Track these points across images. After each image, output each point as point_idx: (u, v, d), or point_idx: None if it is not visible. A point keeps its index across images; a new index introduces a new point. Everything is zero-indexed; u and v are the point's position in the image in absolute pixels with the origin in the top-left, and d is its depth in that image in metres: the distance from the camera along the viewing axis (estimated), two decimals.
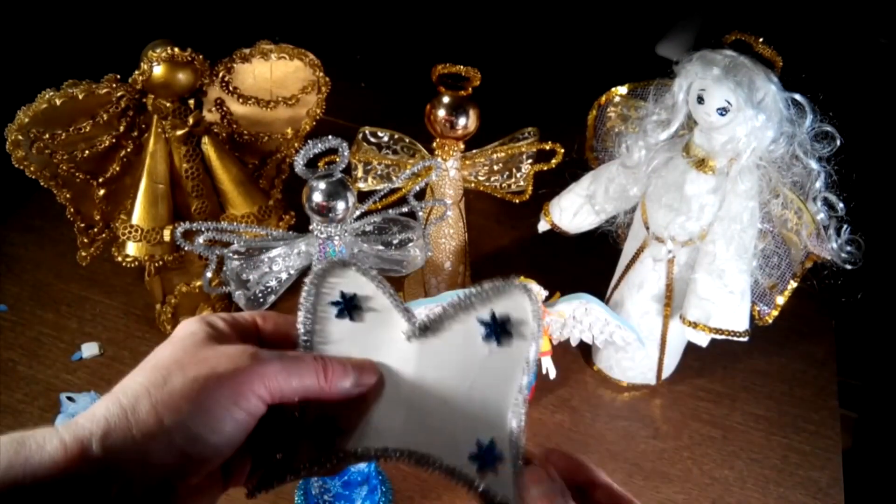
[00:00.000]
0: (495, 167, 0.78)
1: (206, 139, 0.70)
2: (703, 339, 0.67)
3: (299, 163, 0.52)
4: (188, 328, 0.34)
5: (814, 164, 0.61)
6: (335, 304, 0.37)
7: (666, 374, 0.78)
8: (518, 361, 0.33)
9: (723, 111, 0.59)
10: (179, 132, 0.67)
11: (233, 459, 0.33)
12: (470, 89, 0.70)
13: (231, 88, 0.70)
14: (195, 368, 0.31)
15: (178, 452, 0.30)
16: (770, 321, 0.68)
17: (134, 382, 0.31)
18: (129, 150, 0.69)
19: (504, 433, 0.33)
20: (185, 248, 0.58)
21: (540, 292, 0.67)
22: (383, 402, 0.36)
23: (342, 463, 0.35)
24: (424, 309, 0.70)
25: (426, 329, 0.36)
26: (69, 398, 0.72)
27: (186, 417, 0.30)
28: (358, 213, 0.59)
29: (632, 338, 0.71)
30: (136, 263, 0.70)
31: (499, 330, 0.34)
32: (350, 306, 0.37)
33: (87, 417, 0.30)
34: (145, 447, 0.29)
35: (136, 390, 0.30)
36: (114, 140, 0.67)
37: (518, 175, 0.78)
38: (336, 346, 0.37)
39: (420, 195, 0.64)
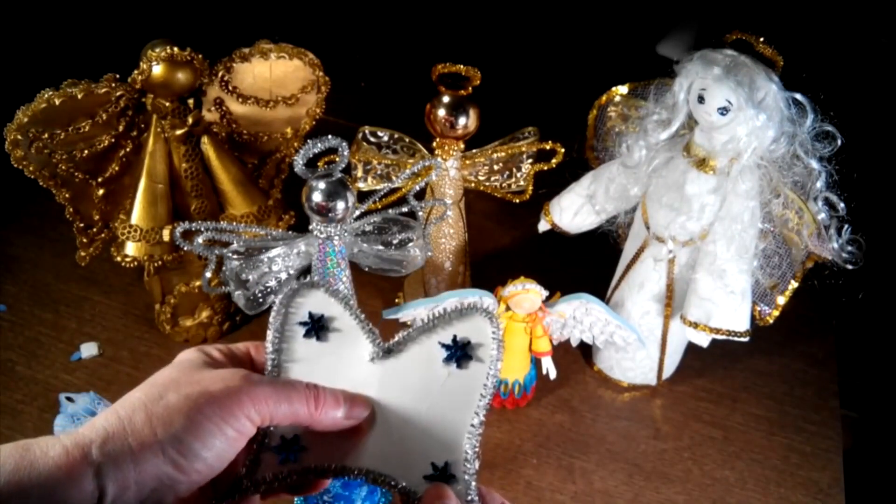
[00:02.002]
0: (495, 167, 0.77)
1: (205, 139, 0.70)
2: (703, 340, 0.67)
3: (299, 162, 0.52)
4: (186, 355, 0.36)
5: (815, 164, 0.60)
6: (303, 324, 0.37)
7: (666, 374, 0.78)
8: (476, 385, 0.34)
9: (723, 111, 0.59)
10: (179, 132, 0.67)
11: (221, 478, 0.35)
12: (470, 89, 0.70)
13: (230, 88, 0.70)
14: (189, 388, 0.33)
15: (169, 463, 0.31)
16: (771, 321, 0.68)
17: (132, 397, 0.33)
18: (128, 149, 0.69)
19: (459, 456, 0.34)
20: (185, 248, 0.57)
21: (540, 292, 0.66)
22: None
23: (302, 478, 0.36)
24: (424, 309, 0.70)
25: (389, 351, 0.36)
26: (68, 398, 0.72)
27: (179, 431, 0.31)
28: (358, 212, 0.59)
29: (632, 338, 0.70)
30: (136, 263, 0.70)
31: (459, 353, 0.35)
32: (317, 326, 0.37)
33: (88, 427, 0.31)
34: (140, 456, 0.31)
35: (133, 404, 0.32)
36: (113, 140, 0.67)
37: (518, 175, 0.78)
38: (301, 366, 0.37)
39: (420, 195, 0.64)
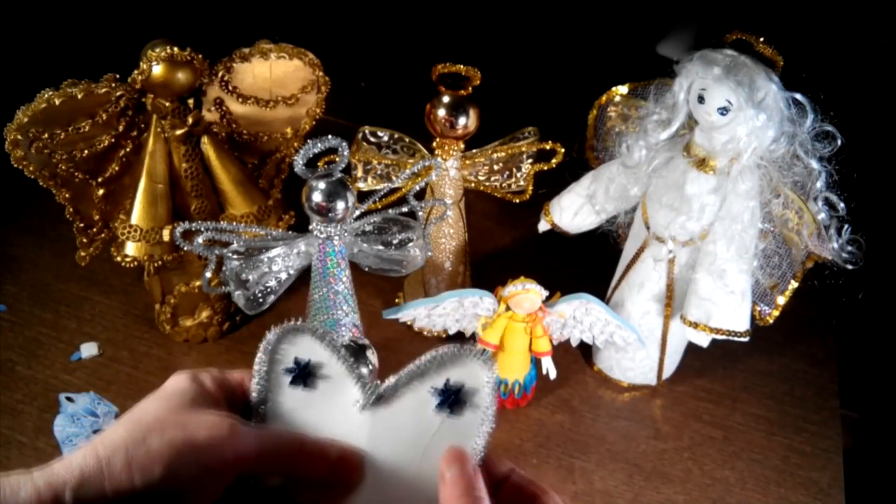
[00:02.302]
0: (495, 167, 0.77)
1: (205, 139, 0.70)
2: (703, 340, 0.67)
3: (299, 162, 0.52)
4: (177, 385, 0.35)
5: (815, 164, 0.61)
6: (289, 371, 0.36)
7: (666, 374, 0.78)
8: (470, 433, 0.33)
9: (723, 111, 0.59)
10: (179, 132, 0.67)
11: None
12: (470, 89, 0.70)
13: (230, 88, 0.70)
14: (174, 432, 0.32)
15: None
16: (771, 321, 0.68)
17: (115, 435, 0.32)
18: (128, 149, 0.69)
19: None
20: (185, 248, 0.57)
21: (540, 292, 0.66)
22: None
23: None
24: (424, 309, 0.70)
25: (380, 398, 0.35)
26: (68, 398, 0.72)
27: (157, 480, 0.30)
28: (358, 212, 0.59)
29: (632, 338, 0.70)
30: (136, 263, 0.70)
31: (452, 399, 0.33)
32: (304, 374, 0.36)
33: (63, 465, 0.30)
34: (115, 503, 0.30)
35: (115, 443, 0.31)
36: (113, 140, 0.67)
37: (518, 175, 0.78)
38: (288, 415, 0.36)
39: (420, 195, 0.64)
